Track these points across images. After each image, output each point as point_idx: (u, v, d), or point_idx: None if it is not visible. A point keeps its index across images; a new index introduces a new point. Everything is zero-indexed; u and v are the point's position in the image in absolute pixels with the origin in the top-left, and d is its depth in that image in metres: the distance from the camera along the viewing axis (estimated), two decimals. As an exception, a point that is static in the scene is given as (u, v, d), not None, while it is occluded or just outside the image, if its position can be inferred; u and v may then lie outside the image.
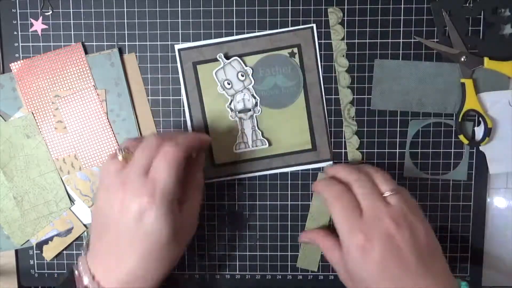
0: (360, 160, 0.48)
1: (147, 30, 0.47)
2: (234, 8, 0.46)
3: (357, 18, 0.46)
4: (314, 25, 0.46)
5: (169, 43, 0.47)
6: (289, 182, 0.48)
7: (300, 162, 0.48)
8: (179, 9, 0.47)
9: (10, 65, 0.47)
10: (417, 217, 0.39)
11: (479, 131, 0.47)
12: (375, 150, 0.48)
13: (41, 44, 0.47)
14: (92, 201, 0.48)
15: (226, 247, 0.49)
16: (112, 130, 0.47)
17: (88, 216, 0.48)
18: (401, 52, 0.47)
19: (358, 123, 0.47)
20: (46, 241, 0.48)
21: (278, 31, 0.46)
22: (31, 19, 0.47)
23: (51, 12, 0.47)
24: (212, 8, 0.47)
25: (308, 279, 0.49)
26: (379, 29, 0.46)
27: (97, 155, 0.47)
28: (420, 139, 0.47)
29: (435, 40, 0.46)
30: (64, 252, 0.49)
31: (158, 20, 0.47)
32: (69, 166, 0.47)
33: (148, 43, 0.47)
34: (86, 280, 0.38)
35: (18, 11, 0.47)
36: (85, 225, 0.48)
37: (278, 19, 0.46)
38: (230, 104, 0.47)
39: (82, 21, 0.47)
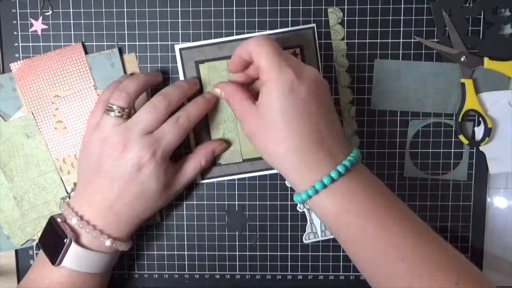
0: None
1: (147, 30, 0.47)
2: (234, 8, 0.46)
3: (357, 18, 0.46)
4: (314, 25, 0.46)
5: (169, 43, 0.47)
6: (289, 182, 0.48)
7: (300, 162, 0.48)
8: (179, 9, 0.47)
9: (10, 65, 0.47)
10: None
11: (479, 131, 0.47)
12: (375, 150, 0.48)
13: (41, 44, 0.47)
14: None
15: (226, 247, 0.49)
16: (112, 130, 0.47)
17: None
18: (401, 52, 0.47)
19: (358, 123, 0.47)
20: (46, 241, 0.48)
21: (279, 31, 0.46)
22: (31, 19, 0.47)
23: (51, 12, 0.47)
24: (212, 8, 0.47)
25: (308, 279, 0.49)
26: (379, 29, 0.46)
27: (97, 155, 0.47)
28: (420, 139, 0.47)
29: (435, 40, 0.46)
30: (64, 252, 0.49)
31: (158, 20, 0.47)
32: (69, 166, 0.47)
33: (148, 43, 0.47)
34: (74, 221, 0.40)
35: (18, 11, 0.47)
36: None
37: (278, 19, 0.46)
38: None
39: (82, 21, 0.47)
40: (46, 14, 0.47)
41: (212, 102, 0.45)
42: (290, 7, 0.46)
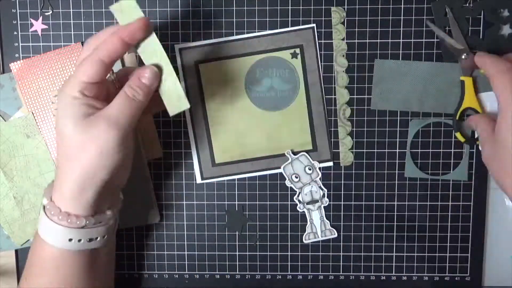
0: (351, 160, 0.48)
1: (147, 30, 0.47)
2: (234, 8, 0.46)
3: (357, 18, 0.46)
4: (314, 25, 0.46)
5: (169, 43, 0.47)
6: (289, 182, 0.48)
7: (300, 162, 0.48)
8: (179, 9, 0.47)
9: (10, 65, 0.47)
10: None
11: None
12: (375, 150, 0.48)
13: (41, 44, 0.47)
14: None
15: (226, 247, 0.49)
16: (112, 130, 0.47)
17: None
18: (401, 52, 0.47)
19: (358, 124, 0.47)
20: (46, 241, 0.48)
21: (280, 31, 0.46)
22: (31, 19, 0.47)
23: (51, 12, 0.47)
24: (212, 8, 0.47)
25: (308, 279, 0.49)
26: (379, 29, 0.46)
27: (97, 155, 0.47)
28: (420, 139, 0.47)
29: (435, 40, 0.46)
30: (64, 252, 0.49)
31: (158, 20, 0.47)
32: (69, 166, 0.47)
33: (148, 43, 0.47)
34: (45, 202, 0.38)
35: (18, 11, 0.47)
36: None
37: (278, 19, 0.46)
38: (298, 196, 0.48)
39: (82, 21, 0.47)
40: (46, 14, 0.47)
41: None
42: (290, 7, 0.46)
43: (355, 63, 0.47)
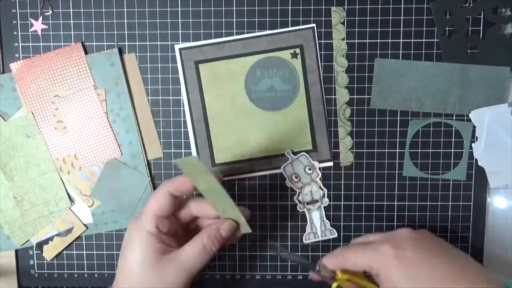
0: (351, 160, 0.48)
1: (147, 30, 0.47)
2: (234, 8, 0.46)
3: (357, 18, 0.46)
4: (314, 25, 0.46)
5: (169, 43, 0.47)
6: (289, 182, 0.48)
7: (300, 162, 0.48)
8: (179, 9, 0.47)
9: (10, 65, 0.47)
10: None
11: (478, 146, 0.47)
12: (375, 150, 0.48)
13: (41, 44, 0.47)
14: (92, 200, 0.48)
15: (226, 247, 0.49)
16: (112, 130, 0.47)
17: (88, 216, 0.48)
18: (401, 52, 0.47)
19: (358, 123, 0.47)
20: (46, 241, 0.48)
21: (280, 31, 0.46)
22: (31, 19, 0.47)
23: (51, 12, 0.47)
24: (212, 8, 0.47)
25: (308, 279, 0.49)
26: (379, 29, 0.46)
27: (97, 155, 0.47)
28: (420, 139, 0.47)
29: (435, 40, 0.46)
30: (64, 252, 0.49)
31: (158, 20, 0.47)
32: (69, 166, 0.47)
33: (148, 43, 0.47)
34: None
35: (18, 11, 0.47)
36: (85, 225, 0.48)
37: (278, 19, 0.46)
38: (298, 196, 0.48)
39: (82, 21, 0.47)
40: (46, 14, 0.47)
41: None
42: (290, 7, 0.46)
43: (355, 63, 0.47)
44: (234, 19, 0.47)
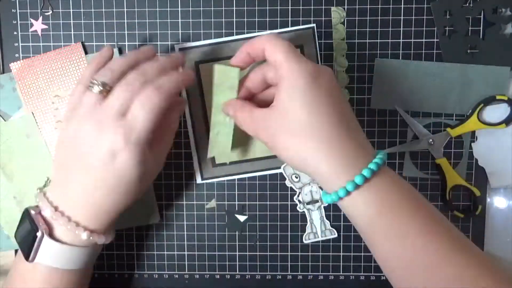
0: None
1: (147, 30, 0.47)
2: (234, 8, 0.46)
3: (357, 18, 0.46)
4: (314, 25, 0.46)
5: (169, 43, 0.47)
6: (289, 182, 0.48)
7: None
8: (179, 9, 0.47)
9: (10, 65, 0.47)
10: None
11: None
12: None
13: (41, 44, 0.47)
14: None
15: (226, 247, 0.49)
16: (112, 130, 0.47)
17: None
18: (401, 52, 0.47)
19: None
20: (46, 241, 0.48)
21: (280, 31, 0.46)
22: (31, 19, 0.47)
23: (51, 12, 0.47)
24: (212, 8, 0.47)
25: (308, 279, 0.49)
26: (379, 29, 0.46)
27: (97, 155, 0.47)
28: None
29: (435, 40, 0.46)
30: (64, 252, 0.49)
31: (158, 20, 0.47)
32: (69, 166, 0.47)
33: (148, 43, 0.47)
34: (47, 212, 0.37)
35: (18, 11, 0.47)
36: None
37: (278, 19, 0.46)
38: (298, 196, 0.48)
39: (82, 21, 0.47)
40: (46, 14, 0.47)
41: (189, 77, 0.40)
42: (290, 7, 0.46)
43: (355, 63, 0.47)
44: (234, 19, 0.47)
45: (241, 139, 0.46)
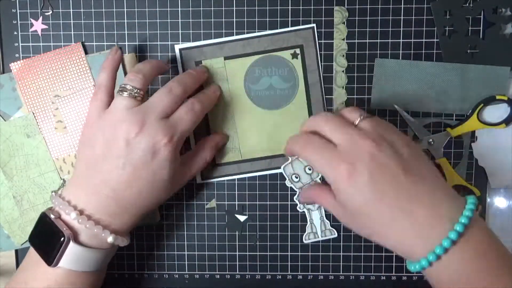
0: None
1: (147, 30, 0.47)
2: (234, 8, 0.46)
3: (357, 18, 0.46)
4: (314, 25, 0.46)
5: (169, 43, 0.47)
6: (289, 182, 0.48)
7: (300, 162, 0.48)
8: (179, 9, 0.47)
9: (10, 65, 0.47)
10: (393, 133, 0.38)
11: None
12: (375, 150, 0.48)
13: (41, 44, 0.47)
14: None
15: (226, 247, 0.49)
16: (112, 130, 0.47)
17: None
18: (401, 52, 0.47)
19: (358, 123, 0.47)
20: (46, 241, 0.48)
21: (279, 31, 0.46)
22: (31, 19, 0.47)
23: (51, 12, 0.47)
24: (212, 8, 0.47)
25: (308, 279, 0.49)
26: (379, 29, 0.46)
27: (97, 155, 0.47)
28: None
29: (435, 40, 0.46)
30: (64, 252, 0.49)
31: (158, 20, 0.47)
32: (69, 166, 0.47)
33: (148, 43, 0.47)
34: (72, 216, 0.37)
35: (18, 11, 0.47)
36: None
37: (278, 19, 0.46)
38: (298, 196, 0.48)
39: (82, 21, 0.47)
40: (46, 14, 0.47)
41: (218, 93, 0.46)
42: (290, 7, 0.46)
43: (355, 63, 0.47)
44: (234, 19, 0.47)
45: (245, 137, 0.46)
